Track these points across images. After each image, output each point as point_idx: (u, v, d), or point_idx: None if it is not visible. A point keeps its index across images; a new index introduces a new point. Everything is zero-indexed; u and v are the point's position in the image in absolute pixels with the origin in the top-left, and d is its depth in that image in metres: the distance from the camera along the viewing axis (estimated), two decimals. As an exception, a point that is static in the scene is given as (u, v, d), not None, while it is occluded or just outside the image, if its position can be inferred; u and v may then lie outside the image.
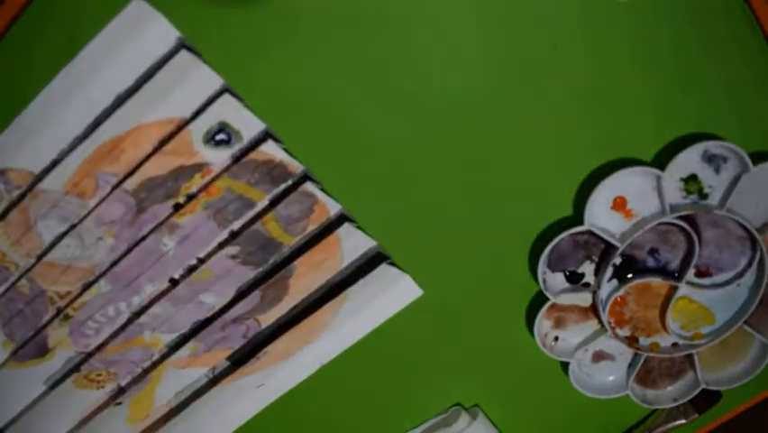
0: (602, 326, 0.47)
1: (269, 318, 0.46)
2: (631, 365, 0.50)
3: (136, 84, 0.38)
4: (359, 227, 0.44)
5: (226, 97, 0.38)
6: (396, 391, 0.52)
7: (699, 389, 0.50)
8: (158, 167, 0.40)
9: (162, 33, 0.37)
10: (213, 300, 0.45)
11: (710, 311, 0.48)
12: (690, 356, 0.49)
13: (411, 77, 0.41)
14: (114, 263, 0.43)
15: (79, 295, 0.43)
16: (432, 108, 0.42)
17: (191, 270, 0.44)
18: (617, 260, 0.46)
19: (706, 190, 0.44)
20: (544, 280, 0.46)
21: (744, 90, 0.43)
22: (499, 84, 0.42)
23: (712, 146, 0.42)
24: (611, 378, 0.51)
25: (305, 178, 0.42)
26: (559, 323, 0.49)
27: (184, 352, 0.46)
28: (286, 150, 0.41)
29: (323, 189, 0.42)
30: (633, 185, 0.43)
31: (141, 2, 0.36)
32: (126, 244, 0.42)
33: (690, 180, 0.44)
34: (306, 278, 0.45)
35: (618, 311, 0.48)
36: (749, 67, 0.42)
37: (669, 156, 0.42)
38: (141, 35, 0.37)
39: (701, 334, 0.48)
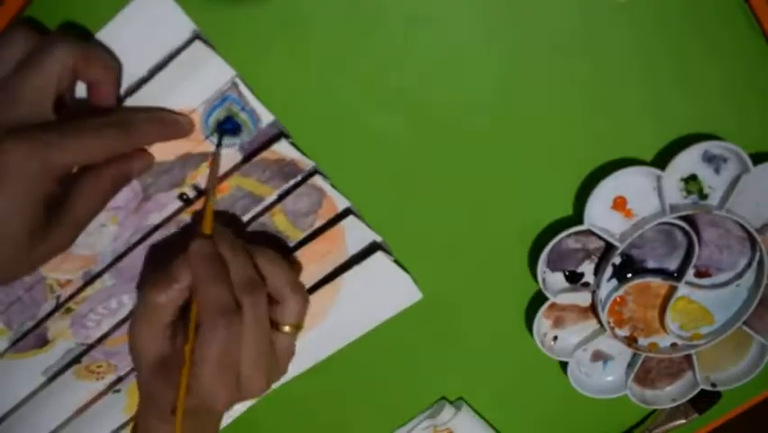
0: (601, 325, 0.47)
1: None
2: (630, 365, 0.50)
3: (149, 73, 0.38)
4: (364, 221, 0.44)
5: (237, 88, 0.39)
6: (393, 385, 0.52)
7: (698, 389, 0.50)
8: (165, 152, 0.40)
9: (177, 24, 0.37)
10: None
11: (710, 311, 0.48)
12: (688, 357, 0.49)
13: (413, 77, 0.41)
14: (120, 258, 0.43)
15: (82, 289, 0.43)
16: (433, 108, 0.42)
17: None
18: (617, 260, 0.46)
19: (706, 191, 0.44)
20: (544, 280, 0.46)
21: (744, 90, 0.43)
22: (500, 84, 0.42)
23: (712, 146, 0.42)
24: (610, 378, 0.51)
25: (314, 172, 0.42)
26: (558, 322, 0.49)
27: None
28: (296, 146, 0.41)
29: (332, 185, 0.42)
30: (633, 185, 0.43)
31: None
32: (129, 232, 0.42)
33: (690, 180, 0.44)
34: (308, 269, 0.44)
35: (618, 311, 0.48)
36: (749, 67, 0.42)
37: (669, 156, 0.42)
38: (157, 25, 0.37)
39: (700, 334, 0.48)
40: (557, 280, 0.47)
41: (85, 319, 0.44)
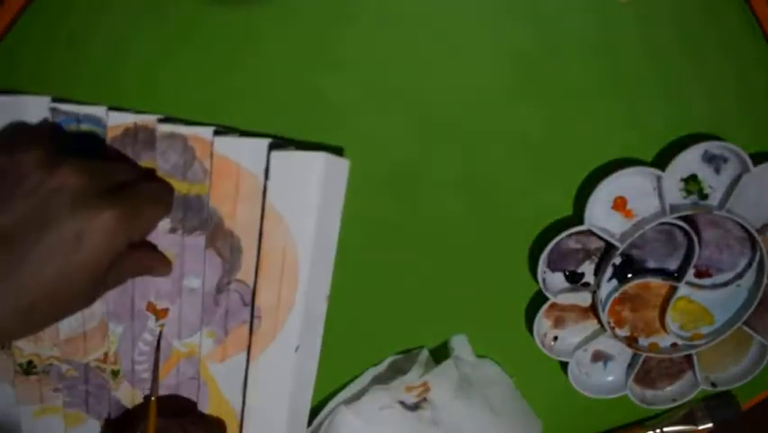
0: (601, 325, 0.47)
1: (247, 273, 0.42)
2: (630, 365, 0.50)
3: None
4: (241, 133, 0.41)
5: (60, 111, 0.38)
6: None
7: (699, 389, 0.50)
8: None
9: None
10: (199, 281, 0.43)
11: (710, 312, 0.48)
12: (689, 357, 0.49)
13: (411, 76, 0.41)
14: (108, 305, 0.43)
15: (106, 352, 0.43)
16: (432, 107, 0.42)
17: None
18: (617, 260, 0.46)
19: (706, 191, 0.44)
20: (544, 280, 0.46)
21: (744, 90, 0.43)
22: (500, 83, 0.42)
23: (712, 146, 0.42)
24: (610, 378, 0.51)
25: (162, 123, 0.39)
26: (558, 322, 0.49)
27: (208, 342, 0.44)
28: (132, 111, 0.39)
29: (186, 122, 0.40)
30: (633, 185, 0.43)
31: None
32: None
33: (691, 181, 0.44)
34: (238, 214, 0.41)
35: (618, 311, 0.48)
36: (749, 67, 0.42)
37: (669, 156, 0.42)
38: None
39: (700, 334, 0.48)
40: (557, 280, 0.47)
41: (135, 373, 0.45)
